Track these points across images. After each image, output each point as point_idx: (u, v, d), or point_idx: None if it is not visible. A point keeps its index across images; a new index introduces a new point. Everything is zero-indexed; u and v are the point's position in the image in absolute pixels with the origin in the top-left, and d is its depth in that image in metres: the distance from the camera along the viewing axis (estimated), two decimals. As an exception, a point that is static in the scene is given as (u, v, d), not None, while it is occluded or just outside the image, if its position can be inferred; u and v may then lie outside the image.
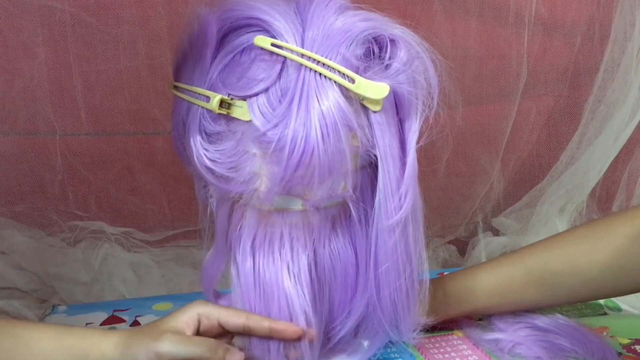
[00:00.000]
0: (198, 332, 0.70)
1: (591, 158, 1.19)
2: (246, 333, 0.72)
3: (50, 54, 1.03)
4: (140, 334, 0.69)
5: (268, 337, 0.71)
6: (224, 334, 0.73)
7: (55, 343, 0.68)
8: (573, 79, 1.21)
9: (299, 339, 0.71)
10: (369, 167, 0.72)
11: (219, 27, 0.70)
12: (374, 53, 0.69)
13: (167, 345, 0.66)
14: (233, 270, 0.75)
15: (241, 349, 0.71)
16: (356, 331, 0.77)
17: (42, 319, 0.95)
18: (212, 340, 0.68)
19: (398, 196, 0.69)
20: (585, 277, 0.79)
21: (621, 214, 0.82)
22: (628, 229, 0.78)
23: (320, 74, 0.66)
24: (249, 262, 0.73)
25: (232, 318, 0.70)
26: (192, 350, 0.66)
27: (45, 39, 1.01)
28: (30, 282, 1.07)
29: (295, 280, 0.71)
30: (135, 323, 0.92)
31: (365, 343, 0.78)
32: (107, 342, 0.68)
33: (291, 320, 0.71)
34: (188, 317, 0.70)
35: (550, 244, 0.82)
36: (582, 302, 0.93)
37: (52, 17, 1.00)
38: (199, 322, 0.70)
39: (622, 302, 0.97)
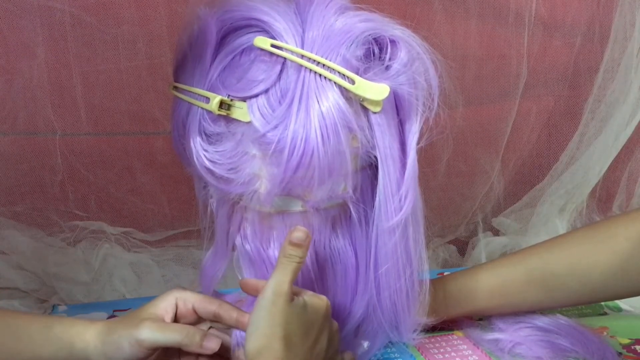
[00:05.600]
0: (176, 317, 0.72)
1: (591, 158, 1.19)
2: (217, 321, 0.73)
3: (50, 54, 1.02)
4: (122, 322, 0.71)
5: (234, 327, 0.72)
6: (201, 320, 0.74)
7: (43, 333, 0.71)
8: (573, 79, 1.21)
9: None
10: (369, 168, 0.72)
11: (219, 27, 0.70)
12: (374, 54, 0.69)
13: (146, 333, 0.68)
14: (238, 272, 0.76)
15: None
16: (356, 332, 0.77)
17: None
18: (189, 327, 0.70)
19: (398, 197, 0.69)
20: (585, 279, 0.79)
21: (623, 216, 0.82)
22: (630, 231, 0.78)
23: (320, 75, 0.66)
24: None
25: (205, 304, 0.72)
26: (171, 337, 0.68)
27: (45, 39, 1.01)
28: (30, 282, 1.07)
29: None
30: (136, 323, 0.92)
31: (365, 344, 0.78)
32: (91, 331, 0.71)
33: None
34: (166, 303, 0.71)
35: (551, 246, 0.82)
36: (582, 304, 0.93)
37: (52, 17, 1.00)
38: (177, 306, 0.72)
39: (622, 302, 0.97)
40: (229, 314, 0.71)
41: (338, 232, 0.74)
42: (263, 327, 0.65)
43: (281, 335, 0.64)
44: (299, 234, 0.68)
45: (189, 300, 0.72)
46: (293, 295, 0.67)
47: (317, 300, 0.69)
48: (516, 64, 1.17)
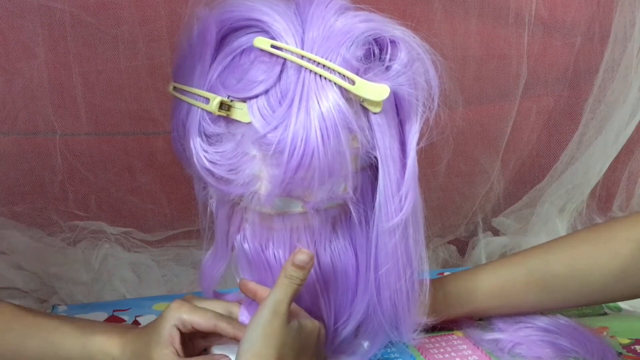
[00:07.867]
0: (182, 335, 0.72)
1: (591, 158, 1.19)
2: (217, 334, 0.74)
3: (50, 54, 1.02)
4: (138, 353, 0.71)
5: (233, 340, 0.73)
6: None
7: (79, 350, 0.73)
8: (573, 79, 1.21)
9: None
10: (369, 169, 0.72)
11: (219, 28, 0.70)
12: (374, 54, 0.69)
13: None
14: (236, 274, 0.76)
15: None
16: (356, 332, 0.77)
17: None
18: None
19: (398, 198, 0.69)
20: (586, 281, 0.79)
21: (624, 218, 0.82)
22: (631, 233, 0.78)
23: (320, 76, 0.66)
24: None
25: (203, 324, 0.72)
26: None
27: (45, 39, 1.01)
28: (30, 282, 1.07)
29: None
30: (135, 323, 0.92)
31: (365, 344, 0.78)
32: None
33: None
34: (168, 331, 0.71)
35: (552, 247, 0.82)
36: (583, 305, 0.93)
37: (52, 17, 1.00)
38: (179, 331, 0.72)
39: (622, 302, 0.97)
40: (226, 331, 0.72)
41: (338, 232, 0.74)
42: (258, 346, 0.65)
43: (275, 356, 0.65)
44: (302, 256, 0.68)
45: (186, 322, 0.72)
46: (290, 317, 0.68)
47: (310, 324, 0.70)
48: (516, 64, 1.17)
